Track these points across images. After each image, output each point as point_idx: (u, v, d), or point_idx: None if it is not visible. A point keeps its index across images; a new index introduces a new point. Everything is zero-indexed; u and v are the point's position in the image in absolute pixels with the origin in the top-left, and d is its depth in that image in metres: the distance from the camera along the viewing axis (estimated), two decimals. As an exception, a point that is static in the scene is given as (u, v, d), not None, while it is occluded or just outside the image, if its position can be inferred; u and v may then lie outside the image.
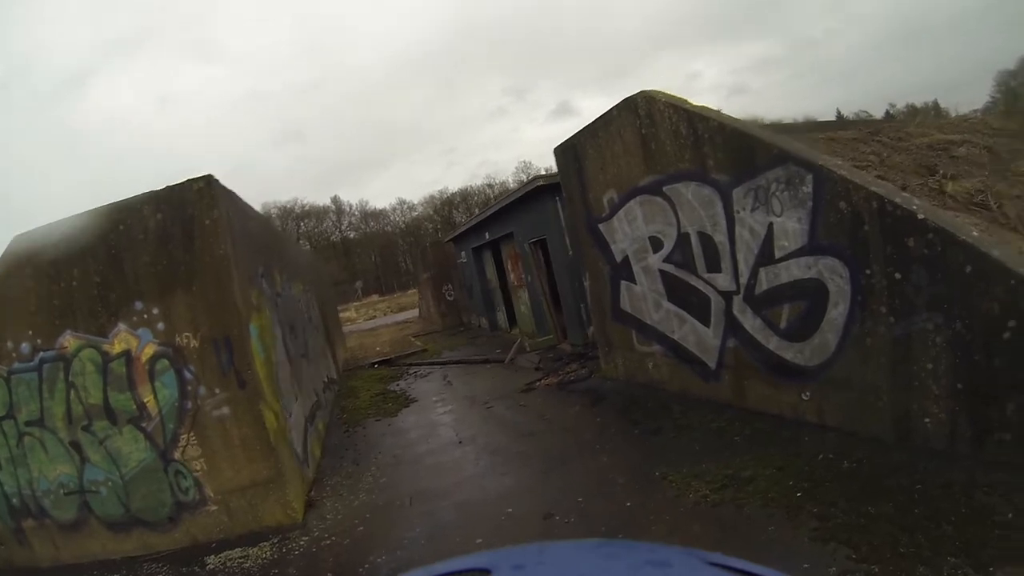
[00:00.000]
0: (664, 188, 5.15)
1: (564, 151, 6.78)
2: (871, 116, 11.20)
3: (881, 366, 3.63)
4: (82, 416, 4.12)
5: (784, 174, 4.02)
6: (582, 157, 6.38)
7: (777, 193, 4.09)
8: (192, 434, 4.23)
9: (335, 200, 52.32)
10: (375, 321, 26.91)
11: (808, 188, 3.87)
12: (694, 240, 4.95)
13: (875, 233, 3.51)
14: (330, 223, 52.20)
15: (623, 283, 6.20)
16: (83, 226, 3.93)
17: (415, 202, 54.70)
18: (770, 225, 4.19)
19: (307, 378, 6.72)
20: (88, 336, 4.08)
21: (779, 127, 5.61)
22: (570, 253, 8.56)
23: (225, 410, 4.24)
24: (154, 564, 4.20)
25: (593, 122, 6.04)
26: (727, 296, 4.73)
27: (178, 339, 4.13)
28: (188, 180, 4.06)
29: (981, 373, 3.11)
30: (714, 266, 4.79)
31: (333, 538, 4.15)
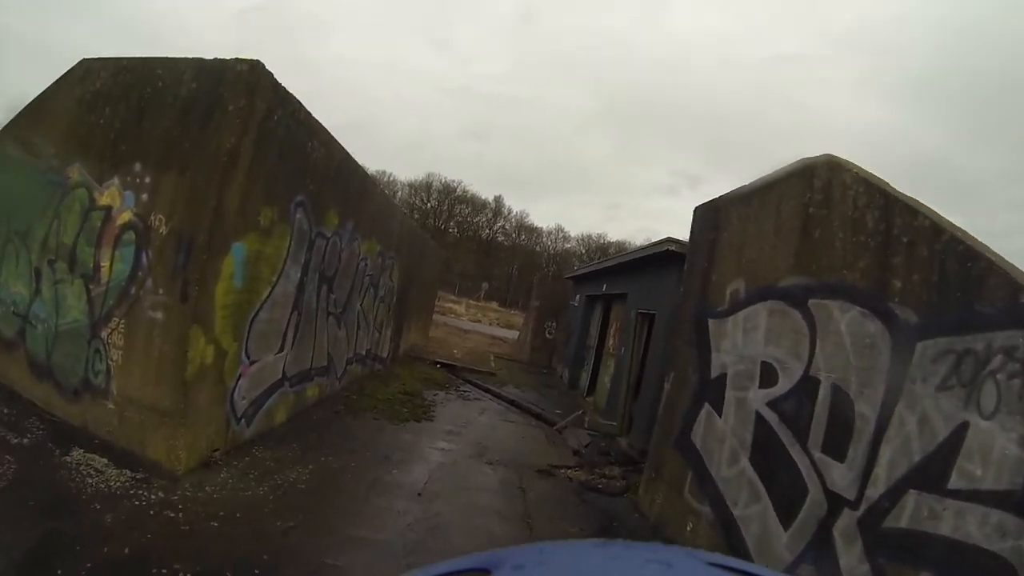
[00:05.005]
0: (810, 301, 3.24)
1: (704, 212, 5.11)
2: None
3: None
4: (53, 249, 3.94)
5: (1034, 347, 1.98)
6: (721, 226, 4.66)
7: (999, 375, 2.05)
8: (123, 322, 3.74)
9: (497, 199, 51.65)
10: (476, 325, 26.78)
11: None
12: (823, 393, 2.96)
13: None
14: (484, 218, 52.25)
15: (706, 406, 4.29)
16: (130, 68, 3.74)
17: (572, 234, 53.32)
18: (963, 425, 2.13)
19: (322, 337, 6.12)
20: (88, 177, 3.88)
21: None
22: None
23: (159, 315, 3.66)
24: (40, 423, 3.83)
25: (748, 185, 4.33)
26: (835, 500, 2.66)
27: (152, 218, 3.68)
28: (235, 58, 3.61)
29: None
30: (836, 447, 2.76)
31: (178, 515, 3.26)
